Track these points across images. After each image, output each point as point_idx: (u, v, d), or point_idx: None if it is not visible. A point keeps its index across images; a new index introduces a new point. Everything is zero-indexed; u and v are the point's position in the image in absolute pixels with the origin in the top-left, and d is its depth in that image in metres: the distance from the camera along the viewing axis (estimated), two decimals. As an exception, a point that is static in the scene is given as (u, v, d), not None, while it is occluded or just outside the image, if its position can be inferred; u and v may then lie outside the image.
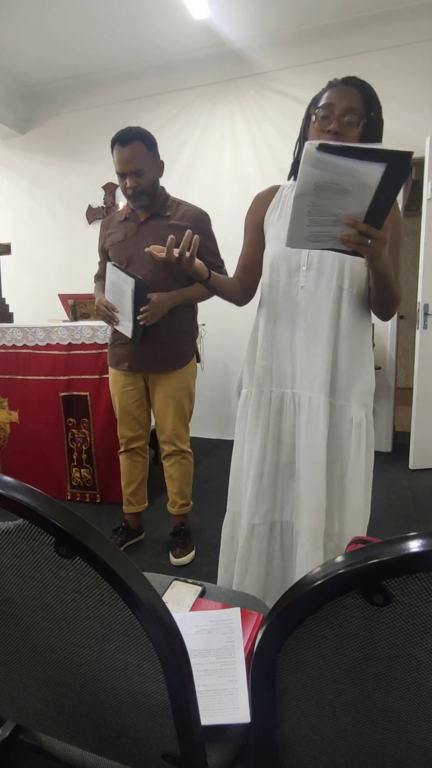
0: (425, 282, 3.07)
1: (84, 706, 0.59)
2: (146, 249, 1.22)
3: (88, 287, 2.47)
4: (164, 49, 3.58)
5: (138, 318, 1.78)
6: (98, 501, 2.59)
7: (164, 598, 0.98)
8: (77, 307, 2.77)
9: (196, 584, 1.03)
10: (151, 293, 1.78)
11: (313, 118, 1.17)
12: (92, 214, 4.17)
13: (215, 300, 1.52)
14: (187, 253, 1.14)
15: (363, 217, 0.93)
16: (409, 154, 0.83)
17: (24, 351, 2.59)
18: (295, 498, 1.32)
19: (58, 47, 3.56)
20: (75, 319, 2.77)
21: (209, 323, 3.05)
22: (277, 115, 3.53)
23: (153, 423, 2.08)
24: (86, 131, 4.11)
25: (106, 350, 2.46)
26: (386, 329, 3.47)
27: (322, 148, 0.85)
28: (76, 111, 4.14)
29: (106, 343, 2.44)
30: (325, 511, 1.26)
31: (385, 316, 1.25)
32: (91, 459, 2.56)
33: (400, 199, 3.20)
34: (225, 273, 1.82)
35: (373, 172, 0.85)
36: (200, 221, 1.86)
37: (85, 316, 2.77)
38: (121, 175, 1.78)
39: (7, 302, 3.09)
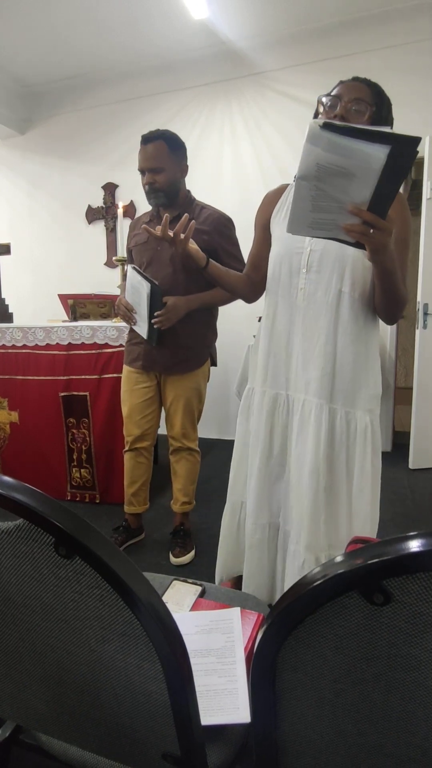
0: (425, 282, 3.07)
1: (84, 707, 0.59)
2: (143, 226, 1.34)
3: (87, 287, 2.47)
4: (164, 49, 3.57)
5: (153, 322, 1.79)
6: (98, 501, 2.59)
7: (164, 598, 0.98)
8: (77, 307, 2.76)
9: (196, 584, 1.04)
10: (168, 297, 1.79)
11: (321, 109, 1.16)
12: (92, 214, 4.17)
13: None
14: (182, 235, 1.22)
15: (367, 204, 0.90)
16: (417, 139, 0.80)
17: (24, 351, 2.59)
18: (283, 501, 1.32)
19: (58, 47, 3.56)
20: (75, 319, 2.77)
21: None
22: (277, 114, 3.51)
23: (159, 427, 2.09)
24: (86, 131, 4.11)
25: (106, 350, 2.45)
26: (386, 329, 3.46)
27: (327, 126, 0.82)
28: (75, 111, 4.14)
29: (106, 343, 2.43)
30: (332, 519, 1.23)
31: (390, 320, 1.20)
32: (90, 459, 2.56)
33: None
34: None
35: (377, 155, 0.83)
36: (222, 225, 1.88)
37: (85, 316, 2.77)
38: (141, 172, 1.84)
39: (6, 302, 3.09)
